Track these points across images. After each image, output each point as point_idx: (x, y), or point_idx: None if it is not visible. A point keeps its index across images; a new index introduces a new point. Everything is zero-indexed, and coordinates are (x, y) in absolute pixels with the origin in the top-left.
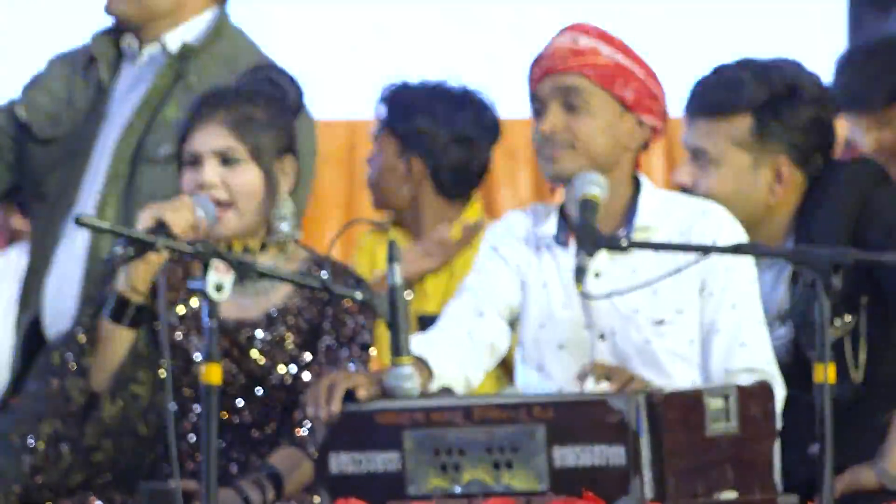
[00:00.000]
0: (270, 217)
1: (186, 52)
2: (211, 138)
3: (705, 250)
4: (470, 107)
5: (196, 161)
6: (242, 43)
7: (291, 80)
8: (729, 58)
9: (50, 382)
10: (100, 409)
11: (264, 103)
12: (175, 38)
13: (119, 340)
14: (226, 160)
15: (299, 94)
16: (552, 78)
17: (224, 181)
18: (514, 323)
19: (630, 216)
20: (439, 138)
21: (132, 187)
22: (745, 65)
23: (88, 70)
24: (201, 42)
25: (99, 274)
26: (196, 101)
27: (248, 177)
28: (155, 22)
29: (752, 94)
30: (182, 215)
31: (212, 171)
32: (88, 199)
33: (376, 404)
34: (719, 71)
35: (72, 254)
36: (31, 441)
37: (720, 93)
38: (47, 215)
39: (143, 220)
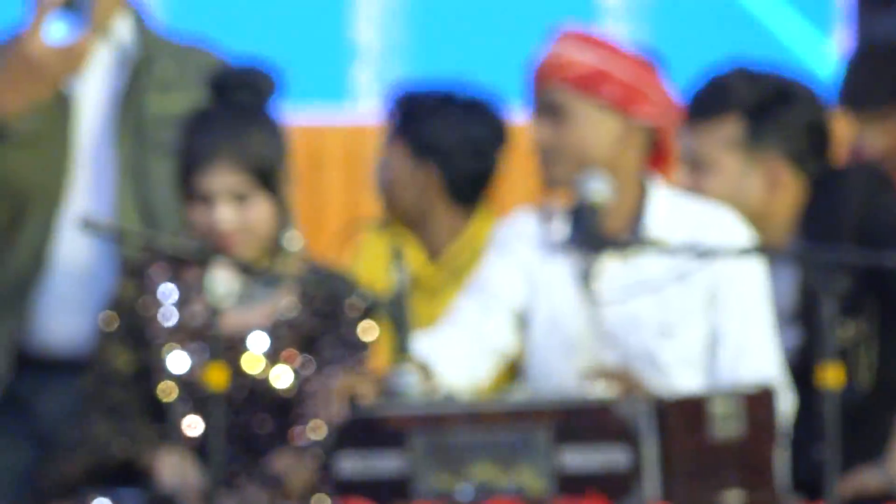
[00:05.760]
0: (279, 237)
1: (150, 49)
2: (222, 178)
3: (710, 253)
4: (482, 112)
5: (207, 198)
6: (170, 33)
7: (262, 71)
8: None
9: None
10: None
11: (259, 119)
12: (125, 34)
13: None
14: (240, 197)
15: (273, 79)
16: (538, 91)
17: (239, 219)
18: (522, 323)
19: (637, 221)
20: (452, 145)
21: (146, 180)
22: (736, 68)
23: None
24: (148, 37)
25: None
26: (195, 134)
27: (262, 209)
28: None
29: (741, 96)
30: None
31: (227, 211)
32: (90, 198)
33: (383, 407)
34: (710, 74)
35: (82, 261)
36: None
37: (709, 95)
38: (14, 216)
39: None
